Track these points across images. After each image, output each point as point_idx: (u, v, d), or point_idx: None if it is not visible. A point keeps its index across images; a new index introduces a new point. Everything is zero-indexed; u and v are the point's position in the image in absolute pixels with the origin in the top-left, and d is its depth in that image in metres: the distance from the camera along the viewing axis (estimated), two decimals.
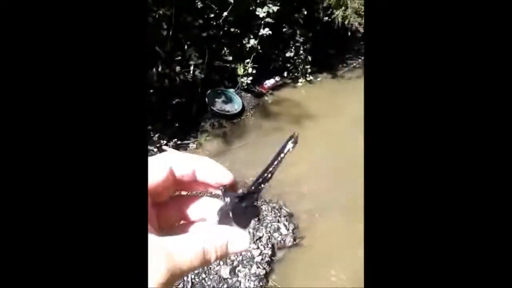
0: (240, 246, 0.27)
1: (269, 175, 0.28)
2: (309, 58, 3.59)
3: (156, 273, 0.22)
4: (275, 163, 0.28)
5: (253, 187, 0.28)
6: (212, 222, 0.28)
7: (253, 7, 2.97)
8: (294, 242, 2.09)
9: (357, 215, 2.25)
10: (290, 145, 0.28)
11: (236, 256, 1.94)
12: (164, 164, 0.27)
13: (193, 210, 0.30)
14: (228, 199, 0.28)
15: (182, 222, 0.30)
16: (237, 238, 0.27)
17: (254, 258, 1.94)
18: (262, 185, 0.28)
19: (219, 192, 0.28)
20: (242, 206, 0.27)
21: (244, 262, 1.93)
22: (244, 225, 0.27)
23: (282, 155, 0.28)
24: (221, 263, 1.90)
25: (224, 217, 0.28)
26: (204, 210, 0.29)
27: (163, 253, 0.22)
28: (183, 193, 0.30)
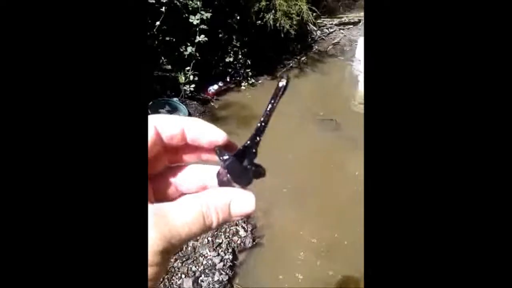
0: (245, 206, 0.23)
1: (263, 124, 0.25)
2: (249, 61, 3.67)
3: (149, 240, 0.18)
4: (267, 110, 0.26)
5: (248, 141, 0.25)
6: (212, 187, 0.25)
7: (186, 14, 2.95)
8: (254, 243, 2.13)
9: (308, 205, 2.38)
10: (281, 84, 0.25)
11: (197, 267, 1.92)
12: (148, 124, 0.23)
13: (192, 180, 0.26)
14: (225, 158, 0.25)
15: (180, 193, 0.26)
16: (240, 198, 0.23)
17: (215, 265, 1.93)
18: (258, 138, 0.25)
19: (216, 159, 0.25)
20: (242, 164, 0.25)
21: (206, 271, 1.91)
22: (245, 183, 0.24)
23: (273, 100, 0.25)
24: (183, 275, 1.86)
25: (223, 179, 0.25)
26: (204, 178, 0.26)
27: (155, 218, 0.19)
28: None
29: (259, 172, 0.25)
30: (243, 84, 3.75)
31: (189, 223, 0.20)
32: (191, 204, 0.21)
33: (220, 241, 2.07)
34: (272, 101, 0.26)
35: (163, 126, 0.23)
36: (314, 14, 4.16)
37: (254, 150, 0.25)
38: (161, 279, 1.83)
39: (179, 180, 0.26)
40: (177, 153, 0.26)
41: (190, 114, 3.22)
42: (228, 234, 2.13)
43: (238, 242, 2.11)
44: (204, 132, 0.25)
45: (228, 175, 0.24)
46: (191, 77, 3.17)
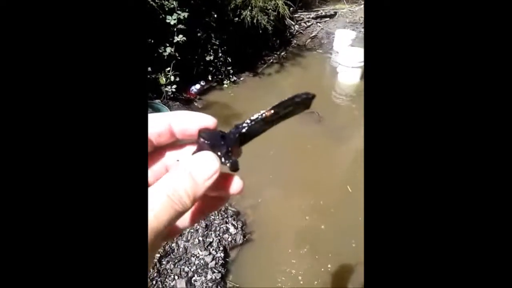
0: (207, 169, 0.21)
1: (261, 116, 0.24)
2: (229, 59, 3.67)
3: None
4: (274, 110, 0.24)
5: (240, 126, 0.25)
6: None
7: (163, 15, 2.91)
8: (245, 239, 2.16)
9: (295, 199, 2.43)
10: (302, 98, 0.24)
11: (189, 267, 1.93)
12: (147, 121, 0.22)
13: None
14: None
15: None
16: (200, 163, 0.21)
17: (207, 264, 1.95)
18: (248, 122, 0.24)
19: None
20: (222, 141, 0.24)
21: (199, 270, 1.93)
22: (218, 150, 0.23)
23: (286, 105, 0.24)
24: (176, 277, 1.87)
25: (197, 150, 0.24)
26: None
27: None
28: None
29: (231, 161, 0.23)
30: (225, 82, 3.75)
31: (160, 213, 0.19)
32: (156, 192, 0.20)
33: (211, 240, 2.09)
34: (283, 105, 0.24)
35: (150, 125, 0.22)
36: (291, 8, 4.19)
37: (237, 135, 0.24)
38: (154, 282, 1.83)
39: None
40: (164, 153, 0.24)
41: None
42: (218, 232, 2.15)
43: (229, 239, 2.13)
44: (193, 120, 0.23)
45: (202, 139, 0.23)
46: (172, 78, 3.14)
